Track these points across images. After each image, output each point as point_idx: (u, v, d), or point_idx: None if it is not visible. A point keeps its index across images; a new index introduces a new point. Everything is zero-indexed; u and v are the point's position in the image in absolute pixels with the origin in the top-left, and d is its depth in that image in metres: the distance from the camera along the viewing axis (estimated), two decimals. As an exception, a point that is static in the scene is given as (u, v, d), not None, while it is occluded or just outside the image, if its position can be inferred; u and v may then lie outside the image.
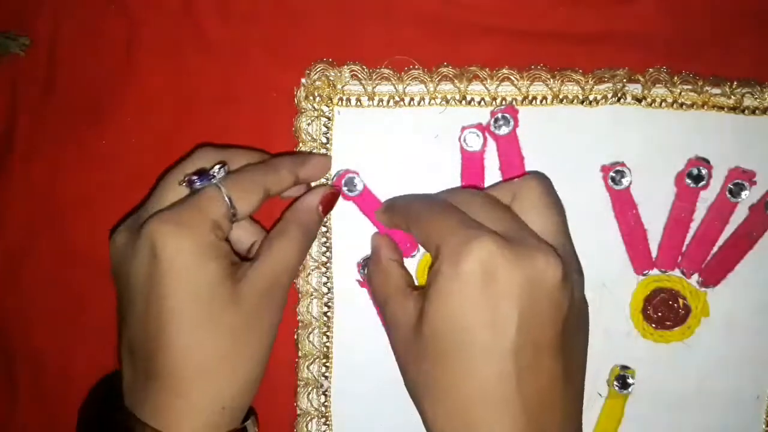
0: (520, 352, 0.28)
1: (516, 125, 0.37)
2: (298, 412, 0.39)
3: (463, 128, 0.37)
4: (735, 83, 0.37)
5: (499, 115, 0.36)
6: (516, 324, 0.28)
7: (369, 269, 0.37)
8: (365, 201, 0.38)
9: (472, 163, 0.37)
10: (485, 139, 0.37)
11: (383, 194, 0.38)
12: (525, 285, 0.29)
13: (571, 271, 0.31)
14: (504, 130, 0.36)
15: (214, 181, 0.32)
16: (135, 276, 0.31)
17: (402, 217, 0.35)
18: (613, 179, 0.37)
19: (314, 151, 0.38)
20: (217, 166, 0.33)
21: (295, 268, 0.35)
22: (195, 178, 0.32)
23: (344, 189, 0.37)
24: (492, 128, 0.37)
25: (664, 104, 0.37)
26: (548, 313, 0.29)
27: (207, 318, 0.30)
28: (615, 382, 0.37)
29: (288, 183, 0.35)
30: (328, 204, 0.37)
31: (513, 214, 0.32)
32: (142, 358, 0.31)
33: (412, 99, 0.37)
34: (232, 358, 0.31)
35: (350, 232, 0.38)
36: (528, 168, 0.37)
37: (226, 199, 0.32)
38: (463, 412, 0.29)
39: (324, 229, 0.38)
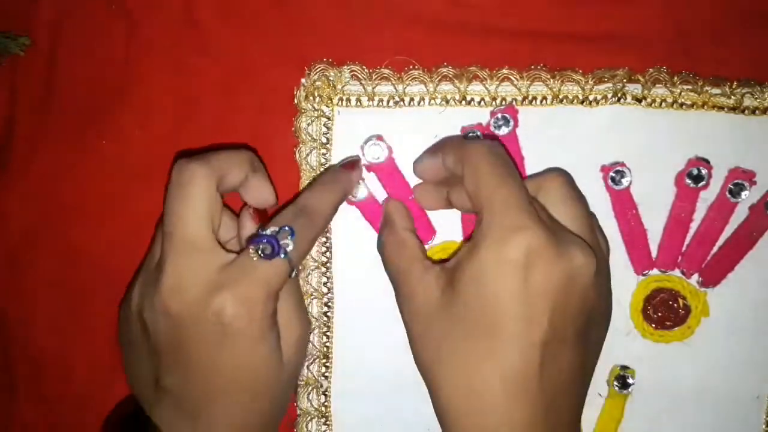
0: (547, 346, 0.29)
1: (516, 125, 0.37)
2: (298, 412, 0.39)
3: (464, 128, 0.37)
4: (735, 83, 0.37)
5: (499, 115, 0.36)
6: (548, 320, 0.29)
7: (383, 238, 0.35)
8: (369, 207, 0.38)
9: (472, 163, 0.37)
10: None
11: (382, 196, 0.38)
12: (562, 281, 0.29)
13: (602, 266, 0.31)
14: (504, 131, 0.36)
15: (284, 257, 0.31)
16: (199, 347, 0.31)
17: (457, 158, 0.32)
18: (613, 179, 0.37)
19: (314, 151, 0.38)
20: (287, 236, 0.32)
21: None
22: (267, 250, 0.31)
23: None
24: (492, 128, 0.37)
25: (664, 104, 0.37)
26: (578, 308, 0.30)
27: (260, 387, 0.32)
28: (615, 382, 0.37)
29: (332, 218, 0.36)
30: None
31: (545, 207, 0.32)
32: (190, 416, 0.32)
33: (412, 99, 0.37)
34: (276, 414, 0.34)
35: (350, 233, 0.38)
36: (528, 168, 0.37)
37: (290, 269, 0.32)
38: (482, 393, 0.29)
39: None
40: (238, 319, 0.30)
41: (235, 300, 0.30)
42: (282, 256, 0.31)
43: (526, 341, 0.29)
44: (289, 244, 0.31)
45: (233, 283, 0.30)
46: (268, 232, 0.32)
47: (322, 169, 0.38)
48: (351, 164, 0.37)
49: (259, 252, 0.31)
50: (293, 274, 0.33)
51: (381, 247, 0.36)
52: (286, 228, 0.32)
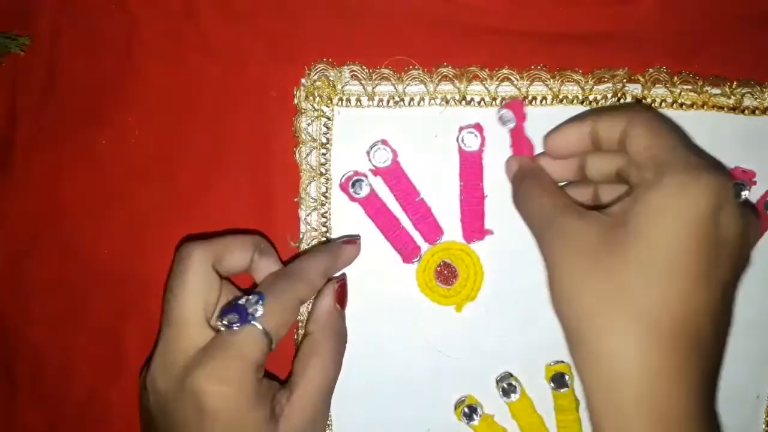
0: (726, 290, 0.29)
1: (521, 120, 0.37)
2: (298, 412, 0.39)
3: (461, 128, 0.37)
4: (735, 83, 0.37)
5: (503, 111, 0.36)
6: (731, 264, 0.28)
7: (524, 188, 0.34)
8: (371, 203, 0.38)
9: (470, 162, 0.37)
10: (483, 138, 0.37)
11: (385, 194, 0.38)
12: (742, 241, 0.29)
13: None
14: (510, 126, 0.36)
15: (253, 321, 0.30)
16: (180, 425, 0.30)
17: (621, 117, 0.31)
18: (613, 179, 0.37)
19: (314, 151, 0.38)
20: (254, 301, 0.31)
21: (336, 380, 0.34)
22: (233, 319, 0.30)
23: (351, 191, 0.37)
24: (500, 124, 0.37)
25: (664, 104, 0.37)
26: (747, 253, 0.30)
27: None
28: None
29: (319, 286, 0.35)
30: (343, 297, 0.36)
31: None
32: None
33: (412, 99, 0.37)
34: None
35: (351, 233, 0.38)
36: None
37: (267, 337, 0.31)
38: (654, 332, 0.27)
39: (324, 229, 0.38)
40: (214, 397, 0.29)
41: (209, 377, 0.29)
42: (251, 322, 0.30)
43: (713, 287, 0.28)
44: (257, 310, 0.31)
45: (208, 360, 0.30)
46: (239, 302, 0.31)
47: (322, 169, 0.38)
48: (351, 240, 0.37)
49: (226, 322, 0.30)
50: (274, 345, 0.31)
51: (525, 197, 0.34)
52: (253, 295, 0.31)
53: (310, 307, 0.38)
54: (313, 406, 0.32)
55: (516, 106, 0.36)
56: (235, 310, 0.31)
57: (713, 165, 0.28)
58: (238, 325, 0.30)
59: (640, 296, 0.27)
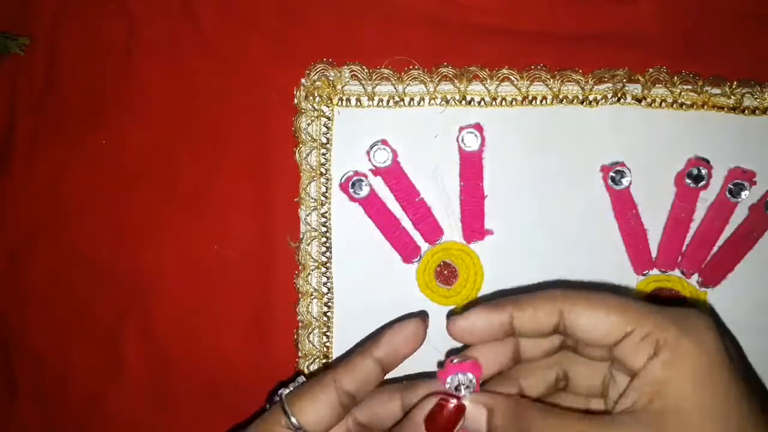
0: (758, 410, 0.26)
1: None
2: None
3: (461, 128, 0.37)
4: (735, 83, 0.37)
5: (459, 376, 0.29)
6: (747, 404, 0.26)
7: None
8: (371, 204, 0.38)
9: (470, 162, 0.37)
10: (483, 138, 0.37)
11: (385, 194, 0.38)
12: (734, 358, 0.26)
13: None
14: (467, 392, 0.29)
15: (278, 398, 0.31)
16: None
17: (550, 306, 0.28)
18: (613, 179, 0.37)
19: (314, 151, 0.38)
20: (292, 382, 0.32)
21: None
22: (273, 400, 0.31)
23: (351, 191, 0.37)
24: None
25: (664, 104, 0.37)
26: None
27: None
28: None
29: (365, 372, 0.31)
30: (441, 427, 0.30)
31: None
32: None
33: (412, 99, 0.37)
34: None
35: (351, 233, 0.38)
36: (530, 169, 0.37)
37: (286, 414, 0.30)
38: None
39: (324, 229, 0.38)
40: None
41: None
42: (276, 399, 0.31)
43: (754, 399, 0.26)
44: (287, 389, 0.31)
45: None
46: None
47: (322, 169, 0.38)
48: (406, 324, 0.32)
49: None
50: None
51: None
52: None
53: (310, 305, 0.38)
54: None
55: (473, 367, 0.29)
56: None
57: (672, 307, 0.27)
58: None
59: None
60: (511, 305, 0.28)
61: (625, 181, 0.36)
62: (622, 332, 0.26)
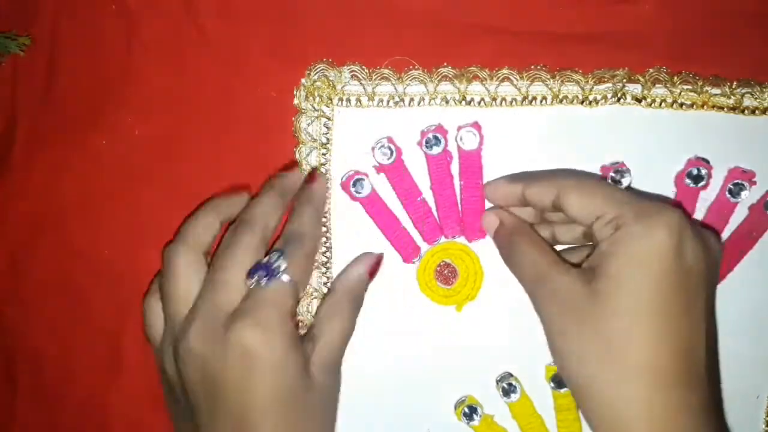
0: (709, 319, 0.30)
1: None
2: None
3: (459, 127, 0.37)
4: (735, 83, 0.37)
5: (430, 135, 0.35)
6: (705, 294, 0.30)
7: (515, 246, 0.35)
8: (371, 203, 0.38)
9: (469, 161, 0.37)
10: (482, 137, 0.37)
11: (385, 194, 0.38)
12: (707, 263, 0.30)
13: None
14: (435, 150, 0.36)
15: (281, 277, 0.33)
16: (227, 377, 0.32)
17: (551, 185, 0.33)
18: (613, 179, 0.37)
19: (314, 151, 0.38)
20: (275, 258, 0.33)
21: (349, 338, 0.36)
22: (262, 275, 0.33)
23: (351, 190, 0.37)
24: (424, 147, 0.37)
25: (664, 104, 0.37)
26: (715, 279, 0.32)
27: (294, 408, 0.32)
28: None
29: (317, 234, 0.37)
30: (374, 271, 0.38)
31: None
32: None
33: (412, 99, 0.37)
34: None
35: (351, 233, 0.38)
36: (527, 169, 0.37)
37: (294, 286, 0.33)
38: (651, 373, 0.29)
39: (324, 229, 0.38)
40: (259, 343, 0.31)
41: (252, 327, 0.31)
42: (279, 276, 0.33)
43: (694, 315, 0.30)
44: (281, 264, 0.33)
45: (247, 314, 0.32)
46: (263, 261, 0.33)
47: (322, 169, 0.38)
48: (310, 177, 0.37)
49: (255, 280, 0.33)
50: (301, 293, 0.35)
51: (511, 255, 0.35)
52: (274, 253, 0.34)
53: (310, 305, 0.38)
54: (333, 357, 0.35)
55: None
56: (261, 269, 0.33)
57: (656, 202, 0.30)
58: (266, 280, 0.33)
59: (629, 344, 0.29)
60: (524, 181, 0.35)
61: (625, 181, 0.36)
62: (595, 214, 0.32)
